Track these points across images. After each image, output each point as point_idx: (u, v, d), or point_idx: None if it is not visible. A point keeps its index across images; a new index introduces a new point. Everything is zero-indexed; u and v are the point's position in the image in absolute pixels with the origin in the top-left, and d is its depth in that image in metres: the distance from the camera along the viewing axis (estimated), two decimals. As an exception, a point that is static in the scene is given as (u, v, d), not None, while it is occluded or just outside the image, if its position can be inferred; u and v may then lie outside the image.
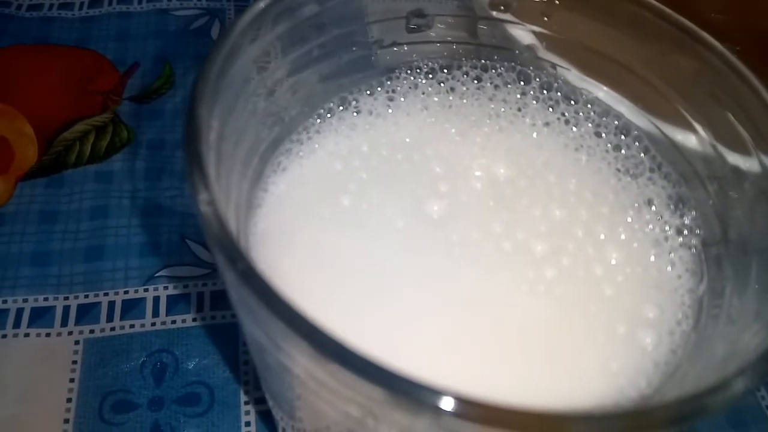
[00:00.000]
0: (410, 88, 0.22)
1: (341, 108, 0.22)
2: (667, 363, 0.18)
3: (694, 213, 0.20)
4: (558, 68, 0.23)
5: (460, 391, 0.11)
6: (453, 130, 0.22)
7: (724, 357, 0.16)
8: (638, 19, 0.20)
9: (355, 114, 0.22)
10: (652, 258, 0.20)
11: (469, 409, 0.11)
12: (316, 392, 0.14)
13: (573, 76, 0.23)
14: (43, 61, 0.39)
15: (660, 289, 0.20)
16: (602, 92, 0.22)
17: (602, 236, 0.20)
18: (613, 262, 0.20)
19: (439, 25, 0.22)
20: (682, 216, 0.21)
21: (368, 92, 0.22)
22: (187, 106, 0.15)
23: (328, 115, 0.22)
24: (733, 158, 0.19)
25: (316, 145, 0.21)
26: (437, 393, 0.11)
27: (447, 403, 0.11)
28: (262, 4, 0.18)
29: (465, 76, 0.23)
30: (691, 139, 0.20)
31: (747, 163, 0.18)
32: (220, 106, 0.16)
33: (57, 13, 0.42)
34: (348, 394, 0.12)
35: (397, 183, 0.20)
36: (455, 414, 0.11)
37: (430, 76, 0.23)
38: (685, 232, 0.20)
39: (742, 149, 0.18)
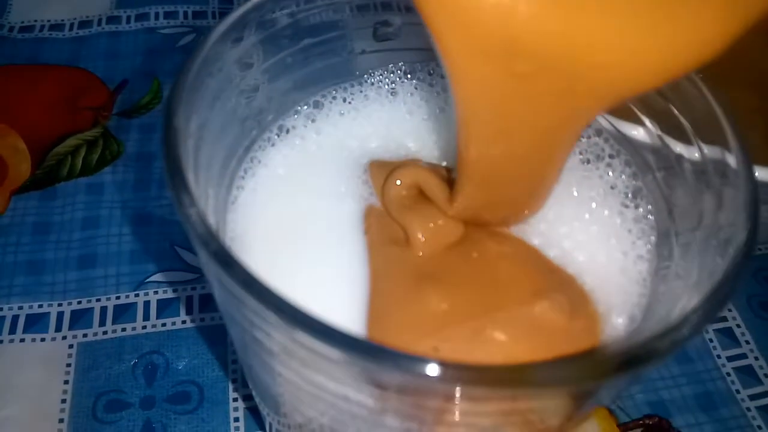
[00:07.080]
0: (374, 89, 0.24)
1: (310, 109, 0.23)
2: (628, 333, 0.19)
3: (647, 200, 0.22)
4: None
5: (421, 354, 0.12)
6: (420, 119, 0.23)
7: (676, 318, 0.17)
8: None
9: (319, 114, 0.23)
10: (613, 242, 0.21)
11: (426, 366, 0.12)
12: (288, 365, 0.15)
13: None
14: (36, 80, 0.40)
15: (624, 273, 0.21)
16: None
17: (567, 223, 0.22)
18: (579, 246, 0.21)
19: (405, 34, 0.24)
20: (637, 207, 0.22)
21: (335, 95, 0.24)
22: (164, 116, 0.16)
23: (298, 116, 0.23)
24: (677, 147, 0.20)
25: (284, 143, 0.22)
26: (390, 352, 0.12)
27: (413, 363, 0.12)
28: (234, 17, 0.19)
29: (429, 75, 0.24)
30: (641, 132, 0.22)
31: (688, 151, 0.19)
32: (196, 115, 0.17)
33: (48, 34, 0.43)
34: (313, 360, 0.14)
35: (346, 167, 0.22)
36: (426, 376, 0.12)
37: (396, 78, 0.24)
38: (641, 218, 0.22)
39: (684, 139, 0.20)
